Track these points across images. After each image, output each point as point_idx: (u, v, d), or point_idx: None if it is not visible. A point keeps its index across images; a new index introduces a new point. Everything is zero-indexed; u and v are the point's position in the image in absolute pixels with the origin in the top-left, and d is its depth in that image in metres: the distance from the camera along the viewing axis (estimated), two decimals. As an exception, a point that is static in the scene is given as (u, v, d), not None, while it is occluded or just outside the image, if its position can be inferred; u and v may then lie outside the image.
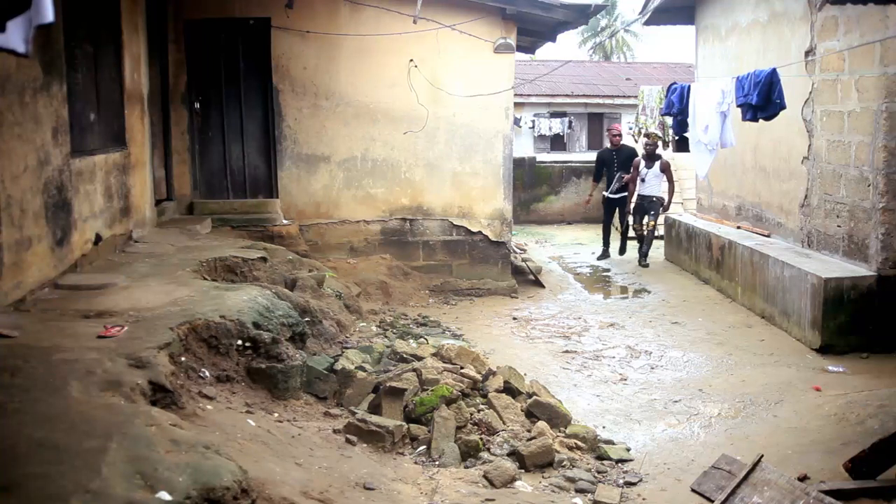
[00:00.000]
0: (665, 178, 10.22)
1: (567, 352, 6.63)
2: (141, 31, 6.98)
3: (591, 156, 13.40)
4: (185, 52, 8.21)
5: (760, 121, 6.78)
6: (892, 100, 6.18)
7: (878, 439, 3.95)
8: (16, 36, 2.43)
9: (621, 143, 11.13)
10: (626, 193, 10.63)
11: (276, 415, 4.04)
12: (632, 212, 10.47)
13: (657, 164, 10.20)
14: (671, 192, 10.31)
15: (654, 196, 10.20)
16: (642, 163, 10.31)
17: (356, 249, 8.62)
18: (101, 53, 6.03)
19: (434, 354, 5.36)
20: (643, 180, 10.23)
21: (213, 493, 2.50)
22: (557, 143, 19.24)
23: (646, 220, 10.21)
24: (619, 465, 4.38)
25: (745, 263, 7.96)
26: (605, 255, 11.00)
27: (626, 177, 10.57)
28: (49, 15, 2.37)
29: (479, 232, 8.77)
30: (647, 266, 10.14)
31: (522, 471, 4.10)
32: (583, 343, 6.91)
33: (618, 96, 19.27)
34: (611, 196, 10.87)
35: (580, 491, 3.95)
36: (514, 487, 3.87)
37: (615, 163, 10.86)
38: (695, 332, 7.16)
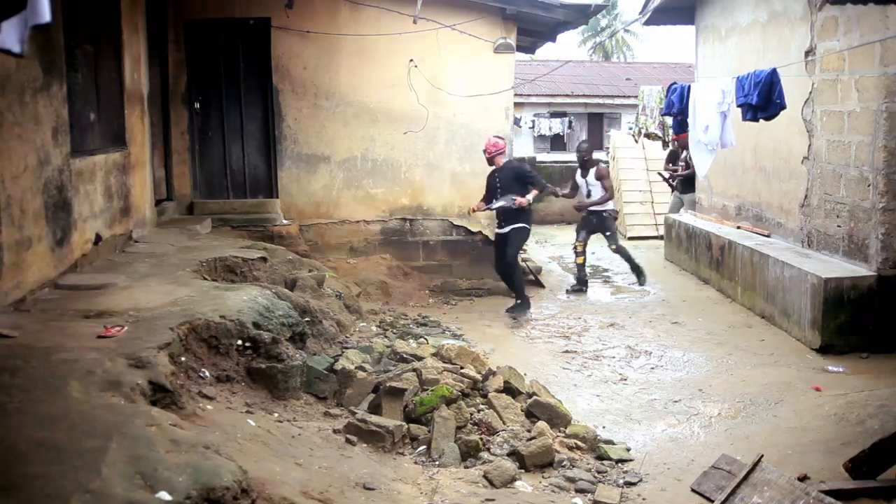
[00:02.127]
0: (601, 186, 8.78)
1: (567, 352, 6.63)
2: (141, 31, 6.99)
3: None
4: (185, 52, 8.22)
5: (760, 121, 6.78)
6: (892, 100, 6.18)
7: (878, 439, 3.95)
8: (11, 36, 2.43)
9: (501, 160, 7.86)
10: (516, 225, 7.72)
11: (276, 415, 4.03)
12: (576, 228, 9.09)
13: (592, 171, 8.84)
14: (603, 198, 8.78)
15: (603, 210, 8.86)
16: (577, 173, 9.00)
17: (356, 249, 8.62)
18: (101, 53, 6.04)
19: (434, 354, 5.36)
20: (587, 193, 8.90)
21: (213, 493, 2.50)
22: (557, 143, 19.29)
23: (594, 243, 8.88)
24: (619, 465, 4.38)
25: (745, 263, 7.95)
26: (524, 306, 7.82)
27: (523, 199, 7.63)
28: (46, 15, 2.37)
29: (479, 232, 8.77)
30: (643, 282, 9.08)
31: (522, 471, 4.10)
32: (583, 343, 6.91)
33: (618, 96, 19.32)
34: (497, 231, 8.00)
35: (580, 491, 3.95)
36: (514, 487, 3.87)
37: (498, 187, 7.81)
38: (695, 332, 7.16)
